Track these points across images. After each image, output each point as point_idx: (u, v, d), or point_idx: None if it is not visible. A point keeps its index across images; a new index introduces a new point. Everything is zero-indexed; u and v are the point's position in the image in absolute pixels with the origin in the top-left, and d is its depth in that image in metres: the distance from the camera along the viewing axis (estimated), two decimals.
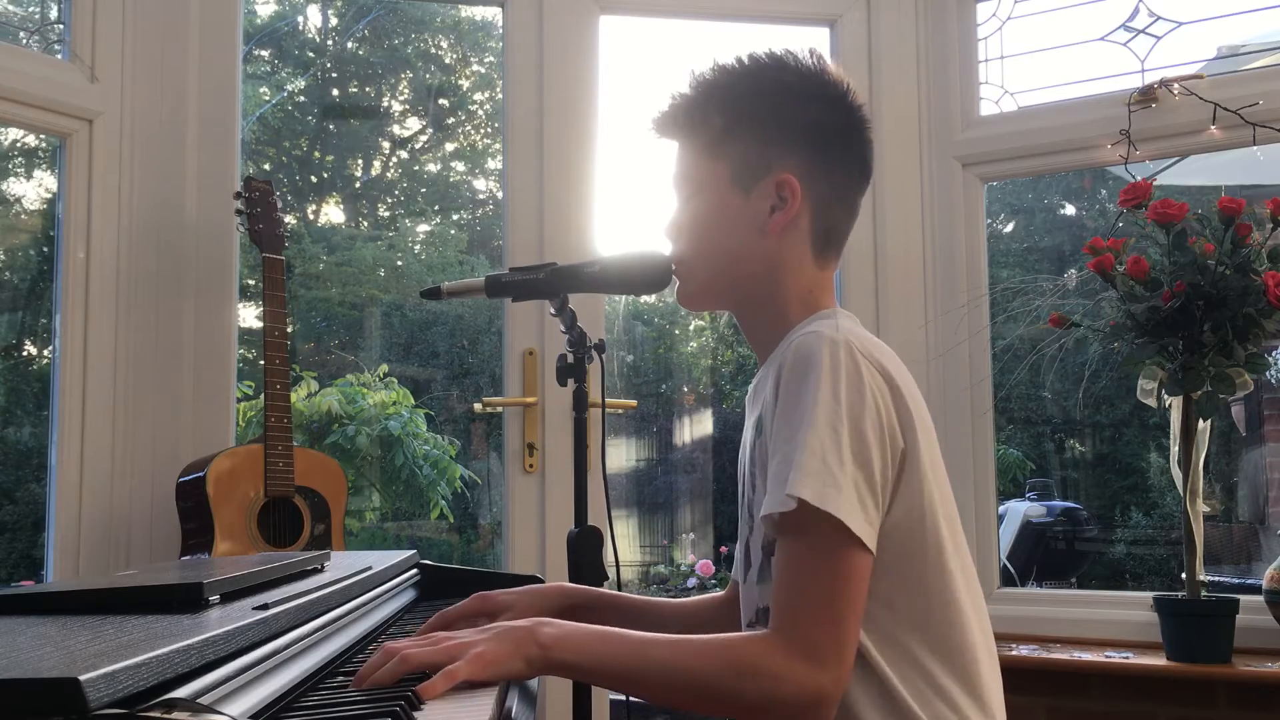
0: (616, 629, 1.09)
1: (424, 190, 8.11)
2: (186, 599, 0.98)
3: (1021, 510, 5.50)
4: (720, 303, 1.33)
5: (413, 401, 5.91)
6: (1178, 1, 2.57)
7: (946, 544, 1.13)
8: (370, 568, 1.39)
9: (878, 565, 1.07)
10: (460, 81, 7.92)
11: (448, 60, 7.95)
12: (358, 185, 7.95)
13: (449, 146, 8.06)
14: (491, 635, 1.05)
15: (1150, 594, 2.34)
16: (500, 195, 4.02)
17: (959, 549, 1.16)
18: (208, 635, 0.77)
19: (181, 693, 0.70)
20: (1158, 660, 2.24)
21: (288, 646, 0.93)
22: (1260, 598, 2.24)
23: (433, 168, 8.16)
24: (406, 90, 7.89)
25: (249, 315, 4.89)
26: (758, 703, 1.01)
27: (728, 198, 1.25)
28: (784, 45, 1.27)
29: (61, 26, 2.43)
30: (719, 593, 1.47)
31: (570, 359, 1.50)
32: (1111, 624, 2.44)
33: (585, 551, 1.50)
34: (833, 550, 1.03)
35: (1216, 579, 3.56)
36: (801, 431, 1.04)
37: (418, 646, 1.03)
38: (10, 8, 4.70)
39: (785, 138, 1.23)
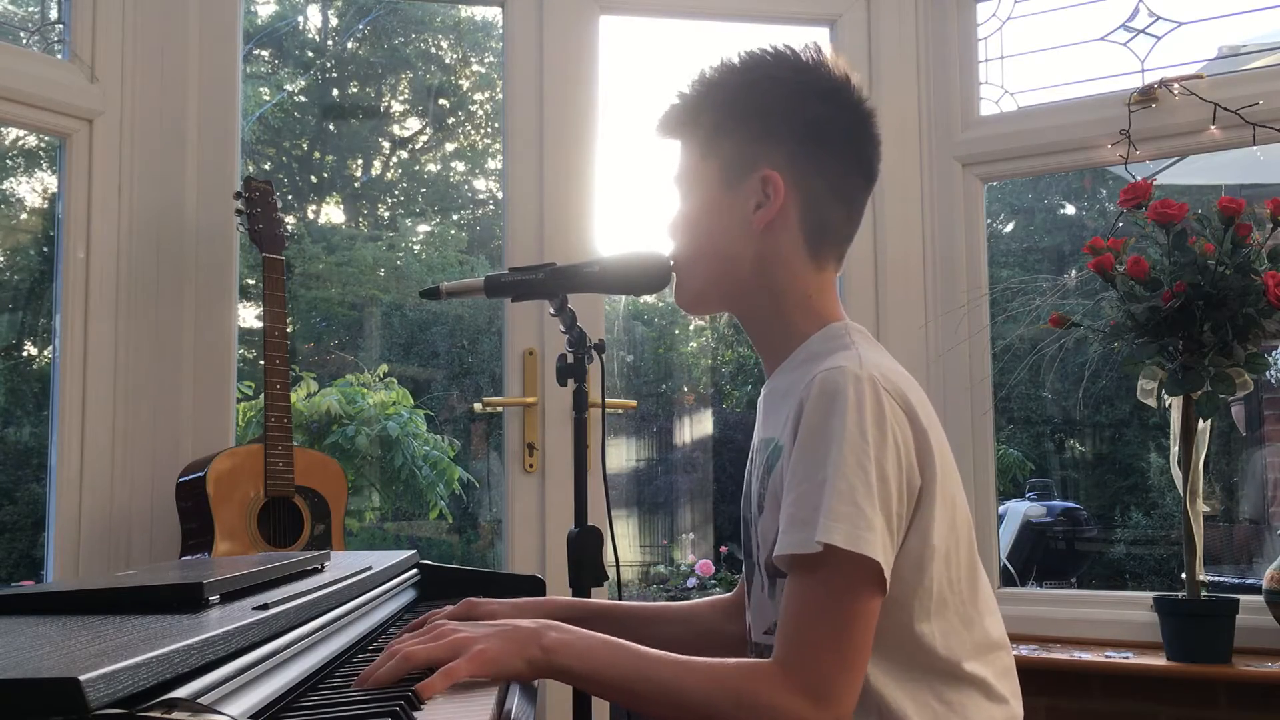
0: (624, 641, 1.08)
1: (424, 190, 8.11)
2: (186, 599, 0.98)
3: (1021, 510, 5.50)
4: (719, 305, 1.32)
5: (412, 402, 5.91)
6: (1178, 1, 2.57)
7: (963, 569, 1.13)
8: (370, 568, 1.39)
9: (886, 599, 1.06)
10: (460, 81, 7.92)
11: (448, 60, 7.95)
12: (358, 185, 7.95)
13: (449, 146, 8.06)
14: (495, 633, 1.05)
15: (1150, 594, 2.34)
16: (500, 195, 4.02)
17: (975, 568, 1.16)
18: (208, 635, 0.77)
19: (181, 693, 0.70)
20: (1158, 660, 2.24)
21: (288, 646, 0.93)
22: (1260, 598, 2.24)
23: (433, 168, 8.16)
24: (406, 90, 7.89)
25: (249, 315, 4.89)
26: None
27: (717, 195, 1.25)
28: (786, 42, 1.26)
29: (61, 26, 2.43)
30: (723, 595, 1.46)
31: (570, 359, 1.50)
32: (1111, 624, 2.44)
33: (585, 551, 1.50)
34: (851, 591, 1.03)
35: (1216, 579, 3.56)
36: (827, 470, 1.03)
37: (419, 642, 1.03)
38: (10, 8, 4.70)
39: (773, 133, 1.22)
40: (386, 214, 8.02)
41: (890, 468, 1.05)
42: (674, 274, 1.34)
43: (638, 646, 1.07)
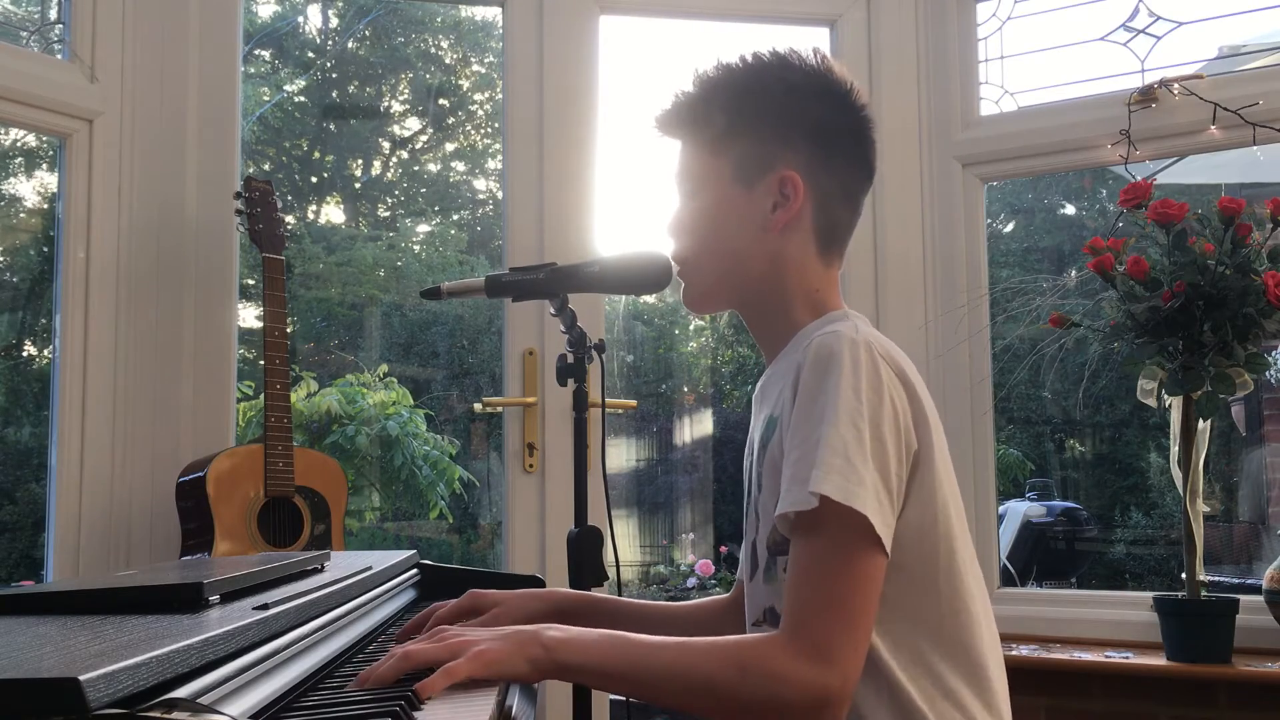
0: (622, 633, 1.08)
1: (424, 190, 8.11)
2: (186, 599, 0.98)
3: (1021, 510, 5.50)
4: (726, 303, 1.33)
5: (412, 401, 5.91)
6: (1178, 1, 2.57)
7: (958, 544, 1.13)
8: (370, 568, 1.39)
9: (890, 566, 1.06)
10: (460, 81, 7.92)
11: (448, 60, 7.95)
12: (358, 185, 7.95)
13: (449, 146, 8.06)
14: (496, 634, 1.05)
15: (1150, 594, 2.34)
16: (500, 195, 4.03)
17: (968, 549, 1.16)
18: (208, 635, 0.77)
19: (181, 693, 0.70)
20: (1158, 660, 2.24)
21: (288, 646, 0.93)
22: (1260, 598, 2.24)
23: (433, 168, 8.16)
24: (406, 90, 7.89)
25: (249, 315, 4.89)
26: (762, 703, 1.00)
27: (730, 194, 1.25)
28: (788, 45, 1.27)
29: (61, 26, 2.43)
30: (722, 595, 1.46)
31: (570, 359, 1.50)
32: (1111, 624, 2.44)
33: (585, 551, 1.50)
34: (851, 550, 1.03)
35: (1216, 579, 3.56)
36: (822, 428, 1.04)
37: (420, 643, 1.03)
38: (10, 8, 4.70)
39: (789, 134, 1.23)
40: (386, 214, 8.02)
41: (886, 428, 1.05)
42: (679, 273, 1.33)
43: (637, 635, 1.07)
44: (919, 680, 1.09)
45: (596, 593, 1.48)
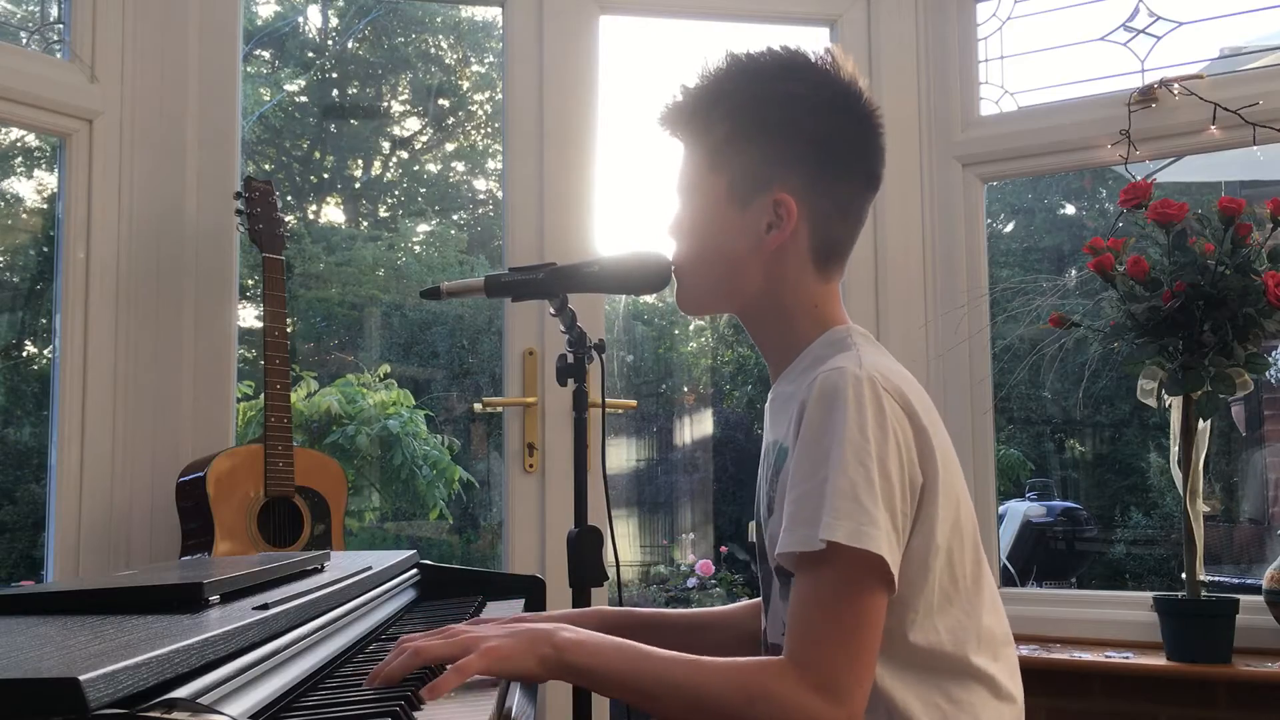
0: (636, 643, 1.08)
1: (424, 190, 8.11)
2: (186, 599, 0.98)
3: (1021, 510, 5.50)
4: (718, 309, 1.33)
5: (412, 401, 5.90)
6: (1178, 1, 2.57)
7: (967, 564, 1.13)
8: (370, 568, 1.39)
9: (893, 599, 1.06)
10: (460, 81, 7.92)
11: (448, 60, 7.94)
12: (358, 185, 7.95)
13: (449, 146, 8.06)
14: (507, 631, 1.05)
15: (1150, 594, 2.34)
16: (500, 195, 4.03)
17: (980, 563, 1.16)
18: (208, 635, 0.77)
19: (182, 693, 0.70)
20: (1158, 660, 2.24)
21: (288, 646, 0.94)
22: (1260, 598, 2.24)
23: (433, 168, 8.16)
24: (406, 90, 7.88)
25: (249, 315, 4.88)
26: None
27: (724, 210, 1.24)
28: (799, 46, 1.24)
29: (61, 26, 2.43)
30: (756, 599, 1.46)
31: (570, 359, 1.50)
32: (1111, 624, 2.44)
33: (585, 551, 1.50)
34: (858, 588, 1.03)
35: (1216, 579, 3.56)
36: (826, 469, 1.04)
37: (429, 639, 1.03)
38: (10, 8, 4.70)
39: (787, 153, 1.21)
40: (386, 214, 8.02)
41: (893, 465, 1.05)
42: (676, 273, 1.33)
43: (648, 647, 1.07)
44: (930, 703, 1.09)
45: (596, 594, 1.48)
